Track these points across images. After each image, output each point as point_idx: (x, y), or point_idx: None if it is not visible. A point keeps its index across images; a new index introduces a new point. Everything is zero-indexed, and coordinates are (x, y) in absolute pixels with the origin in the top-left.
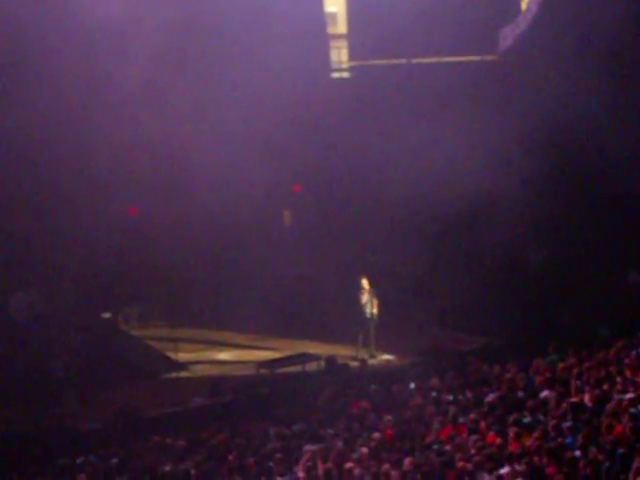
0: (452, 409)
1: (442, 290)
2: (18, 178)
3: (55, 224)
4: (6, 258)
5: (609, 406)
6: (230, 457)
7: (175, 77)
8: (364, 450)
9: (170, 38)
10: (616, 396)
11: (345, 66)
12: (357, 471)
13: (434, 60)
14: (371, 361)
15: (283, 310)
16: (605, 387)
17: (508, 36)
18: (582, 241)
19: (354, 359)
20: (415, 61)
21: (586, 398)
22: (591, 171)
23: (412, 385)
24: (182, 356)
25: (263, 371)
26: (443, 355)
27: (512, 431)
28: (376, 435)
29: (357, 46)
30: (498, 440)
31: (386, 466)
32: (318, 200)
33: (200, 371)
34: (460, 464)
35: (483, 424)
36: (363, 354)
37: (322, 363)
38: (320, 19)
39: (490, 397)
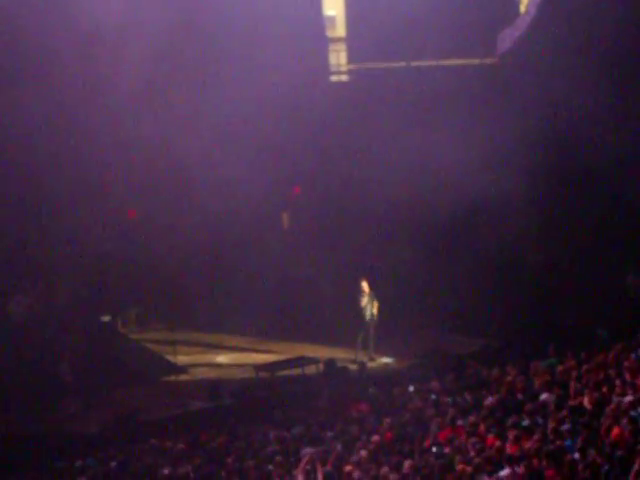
0: (451, 412)
1: (441, 292)
2: (17, 179)
3: (54, 226)
4: (5, 260)
5: (608, 409)
6: (229, 460)
7: (174, 79)
8: (363, 453)
9: (169, 40)
10: (615, 399)
11: (344, 69)
12: (356, 474)
13: (433, 63)
14: (370, 364)
15: (282, 313)
16: (604, 390)
17: (507, 39)
18: (581, 242)
19: (353, 362)
20: (414, 64)
21: (585, 401)
22: (590, 173)
23: (411, 388)
24: (181, 359)
25: (262, 374)
26: (442, 358)
27: (511, 434)
28: (375, 438)
29: (356, 49)
30: (497, 443)
31: (385, 469)
32: (317, 202)
33: (199, 374)
34: (459, 467)
35: (482, 427)
36: (362, 357)
37: (321, 366)
38: (319, 22)
39: (489, 400)
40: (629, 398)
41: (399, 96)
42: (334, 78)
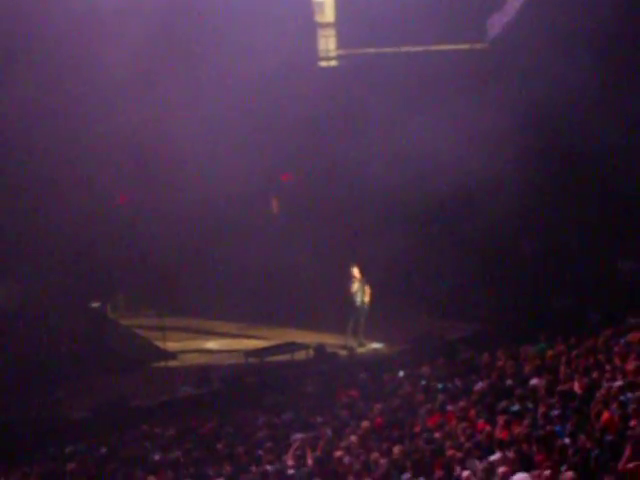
0: (441, 397)
1: (431, 277)
2: (6, 166)
3: (43, 212)
4: None
5: (598, 394)
6: (219, 446)
7: (165, 64)
8: (353, 438)
9: (161, 25)
10: (605, 384)
11: (333, 54)
12: (346, 459)
13: (422, 48)
14: (360, 349)
15: (272, 299)
16: (594, 375)
17: (496, 24)
18: (573, 227)
19: (343, 348)
20: (403, 49)
21: (575, 386)
22: (582, 159)
23: (401, 373)
24: (171, 345)
25: (252, 360)
26: (432, 343)
27: (501, 419)
28: (365, 423)
29: (345, 35)
30: (487, 428)
31: (375, 454)
32: (307, 188)
33: (189, 360)
34: (449, 452)
35: (472, 412)
36: (352, 342)
37: (311, 352)
38: (307, 7)
39: (479, 385)
40: (619, 383)
41: (388, 81)
42: (323, 63)
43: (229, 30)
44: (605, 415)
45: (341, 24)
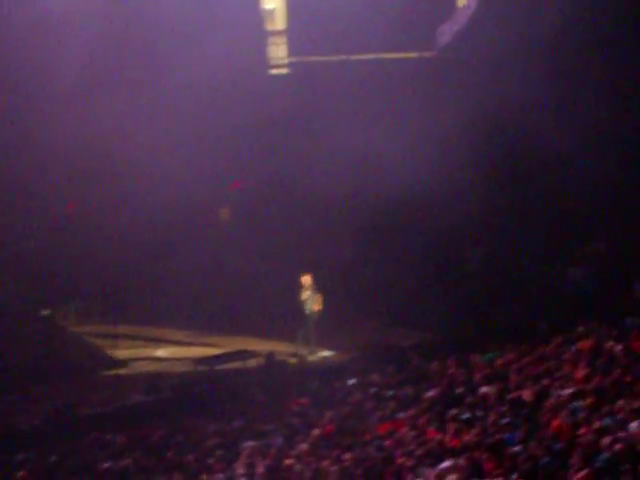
0: (392, 405)
1: (381, 285)
2: None
3: None
4: None
5: (548, 402)
6: (169, 454)
7: (112, 74)
8: (304, 446)
9: (109, 34)
10: (555, 392)
11: (284, 62)
12: (297, 467)
13: (372, 56)
14: (311, 357)
15: (222, 306)
16: (544, 382)
17: (446, 33)
18: (521, 235)
19: (294, 355)
20: (354, 57)
21: (525, 394)
22: (531, 167)
23: (352, 381)
24: (121, 353)
25: (202, 368)
26: (383, 351)
27: (452, 427)
28: (316, 431)
29: (296, 42)
30: (438, 436)
31: (326, 462)
32: (257, 195)
33: (139, 368)
34: (400, 460)
35: (423, 420)
36: (303, 350)
37: (261, 360)
38: (258, 15)
39: (430, 393)
40: (569, 391)
41: (339, 89)
42: (274, 71)
43: (180, 38)
44: (555, 423)
45: (292, 32)
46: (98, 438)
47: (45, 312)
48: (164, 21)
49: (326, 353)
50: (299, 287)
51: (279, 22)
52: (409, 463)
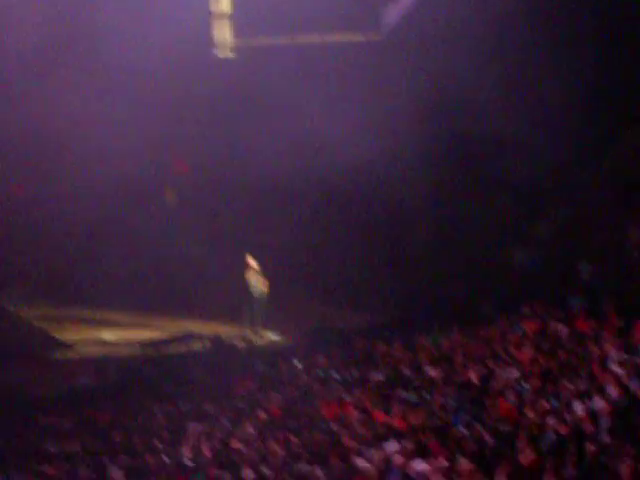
0: (338, 387)
1: (328, 267)
2: None
3: None
4: None
5: (494, 384)
6: (116, 437)
7: (57, 56)
8: (250, 429)
9: (53, 16)
10: (501, 373)
11: (229, 44)
12: (243, 450)
13: (318, 39)
14: (257, 340)
15: (169, 289)
16: (490, 364)
17: (392, 15)
18: (467, 217)
19: (240, 338)
20: (299, 40)
21: (471, 376)
22: (477, 148)
23: (298, 363)
24: (67, 336)
25: (148, 351)
26: (329, 333)
27: (398, 409)
28: (262, 414)
29: (241, 25)
30: (384, 418)
31: (273, 445)
32: (201, 177)
33: (85, 351)
34: (346, 442)
35: (369, 402)
36: (249, 333)
37: (207, 342)
38: None
39: (376, 375)
40: (514, 373)
41: (284, 71)
42: (219, 53)
43: (125, 20)
44: (501, 405)
45: (237, 14)
46: (44, 422)
47: None
48: (110, 2)
49: (272, 336)
50: (245, 269)
51: (224, 4)
52: (355, 445)
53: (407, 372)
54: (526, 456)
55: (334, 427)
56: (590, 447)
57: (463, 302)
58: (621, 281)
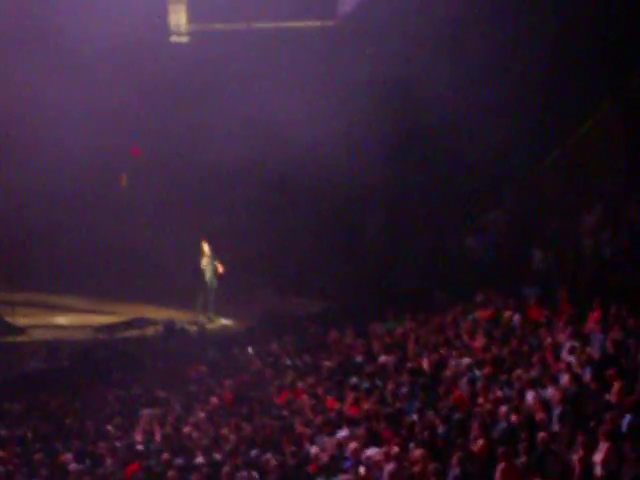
0: (290, 374)
1: (280, 254)
2: None
3: None
4: None
5: (447, 371)
6: (68, 421)
7: (12, 42)
8: (202, 414)
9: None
10: (453, 361)
11: (184, 30)
12: (195, 435)
13: (273, 25)
14: (209, 325)
15: (122, 274)
16: (443, 352)
17: (348, 1)
18: (418, 205)
19: (192, 323)
20: (255, 26)
21: (424, 363)
22: (431, 137)
23: (250, 349)
24: (20, 320)
25: (101, 335)
26: (281, 319)
27: (350, 396)
28: (214, 399)
29: (196, 10)
30: (336, 405)
31: (224, 430)
32: (155, 163)
33: (38, 335)
34: (299, 428)
35: (321, 389)
36: (202, 318)
37: (160, 327)
38: None
39: (328, 362)
40: (467, 360)
41: (239, 57)
42: (174, 38)
43: (80, 5)
44: (454, 392)
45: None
46: None
47: None
48: None
49: (225, 321)
50: (198, 255)
51: None
52: (308, 432)
53: (360, 359)
54: (478, 443)
55: (286, 413)
56: (541, 435)
57: (416, 289)
58: (574, 269)
